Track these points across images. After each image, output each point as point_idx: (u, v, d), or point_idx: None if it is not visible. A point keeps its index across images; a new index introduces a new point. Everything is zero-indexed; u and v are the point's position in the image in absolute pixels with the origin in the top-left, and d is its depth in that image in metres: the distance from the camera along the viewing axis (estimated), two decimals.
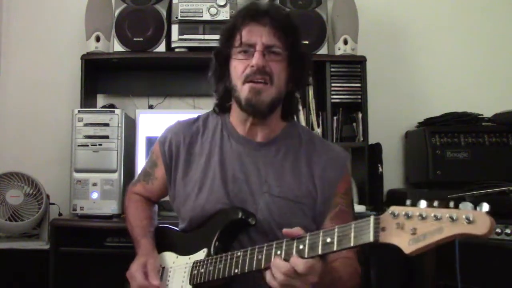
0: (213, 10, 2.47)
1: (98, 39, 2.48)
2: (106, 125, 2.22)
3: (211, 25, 2.47)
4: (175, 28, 2.49)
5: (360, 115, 2.50)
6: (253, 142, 1.37)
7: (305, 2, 2.55)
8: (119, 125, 2.22)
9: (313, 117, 2.52)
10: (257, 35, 1.29)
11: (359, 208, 2.28)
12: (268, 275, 1.09)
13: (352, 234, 0.97)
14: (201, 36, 2.48)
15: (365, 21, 2.64)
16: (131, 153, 2.32)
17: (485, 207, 0.83)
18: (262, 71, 1.28)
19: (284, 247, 1.07)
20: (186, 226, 1.38)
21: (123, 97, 2.76)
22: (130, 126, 2.35)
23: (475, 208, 0.84)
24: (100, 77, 2.70)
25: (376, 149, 2.52)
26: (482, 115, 2.54)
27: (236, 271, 1.15)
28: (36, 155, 2.69)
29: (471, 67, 2.83)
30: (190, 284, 1.26)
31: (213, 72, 1.40)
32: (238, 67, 1.31)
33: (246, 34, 1.30)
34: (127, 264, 1.34)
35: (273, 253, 1.09)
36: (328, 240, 1.00)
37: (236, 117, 1.39)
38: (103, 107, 2.63)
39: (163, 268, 1.35)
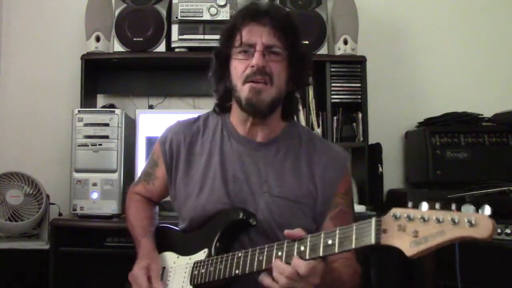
0: (213, 10, 2.47)
1: (98, 39, 2.48)
2: (106, 125, 2.22)
3: (211, 25, 2.47)
4: (175, 28, 2.49)
5: (360, 115, 2.50)
6: (254, 142, 1.37)
7: (305, 2, 2.55)
8: (119, 125, 2.22)
9: (313, 117, 2.52)
10: (257, 35, 1.29)
11: (359, 208, 2.27)
12: (268, 280, 1.08)
13: (354, 236, 0.97)
14: (201, 36, 2.47)
15: (365, 21, 2.64)
16: (131, 153, 2.32)
17: (487, 210, 0.83)
18: (262, 71, 1.28)
19: (285, 249, 1.08)
20: (186, 226, 1.38)
21: (123, 97, 2.76)
22: (130, 126, 2.35)
23: (477, 211, 0.84)
24: (100, 77, 2.70)
25: (376, 149, 2.52)
26: (482, 115, 2.54)
27: (237, 272, 1.15)
28: (36, 155, 2.68)
29: (471, 67, 2.82)
30: (190, 284, 1.26)
31: (213, 72, 1.40)
32: (238, 67, 1.31)
33: (246, 34, 1.30)
34: (127, 264, 1.34)
35: (274, 255, 1.09)
36: (329, 241, 1.00)
37: (236, 117, 1.39)
38: (103, 107, 2.62)
39: (164, 268, 1.35)
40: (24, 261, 2.18)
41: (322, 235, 1.03)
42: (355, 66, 2.52)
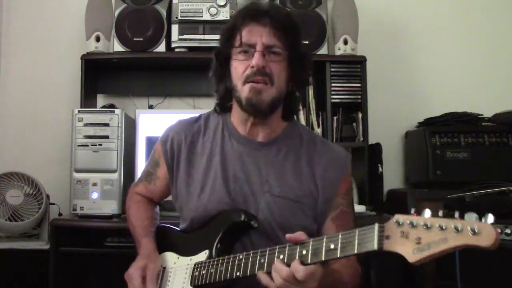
0: (213, 10, 2.47)
1: (98, 39, 2.48)
2: (106, 125, 2.21)
3: (211, 25, 2.47)
4: (175, 28, 2.48)
5: (360, 115, 2.50)
6: (254, 142, 1.37)
7: (305, 2, 2.55)
8: (119, 125, 2.22)
9: (313, 117, 2.52)
10: (257, 35, 1.29)
11: (359, 208, 2.27)
12: (265, 277, 1.09)
13: (356, 242, 0.96)
14: (201, 36, 2.47)
15: (365, 21, 2.64)
16: (131, 153, 2.32)
17: (490, 218, 0.83)
18: (262, 71, 1.27)
19: (287, 252, 1.08)
20: (187, 226, 1.38)
21: (123, 97, 2.76)
22: (130, 126, 2.35)
23: (480, 219, 0.84)
24: (100, 77, 2.70)
25: (376, 149, 2.52)
26: (482, 115, 2.54)
27: (238, 274, 1.15)
28: (36, 155, 2.68)
29: (471, 67, 2.83)
30: (191, 285, 1.26)
31: (214, 72, 1.40)
32: (239, 68, 1.31)
33: (246, 34, 1.30)
34: (127, 264, 1.33)
35: (275, 257, 1.09)
36: (332, 246, 1.00)
37: (237, 117, 1.39)
38: (103, 107, 2.62)
39: (164, 268, 1.35)
40: (24, 261, 2.18)
41: (325, 239, 1.02)
42: (355, 66, 2.52)
